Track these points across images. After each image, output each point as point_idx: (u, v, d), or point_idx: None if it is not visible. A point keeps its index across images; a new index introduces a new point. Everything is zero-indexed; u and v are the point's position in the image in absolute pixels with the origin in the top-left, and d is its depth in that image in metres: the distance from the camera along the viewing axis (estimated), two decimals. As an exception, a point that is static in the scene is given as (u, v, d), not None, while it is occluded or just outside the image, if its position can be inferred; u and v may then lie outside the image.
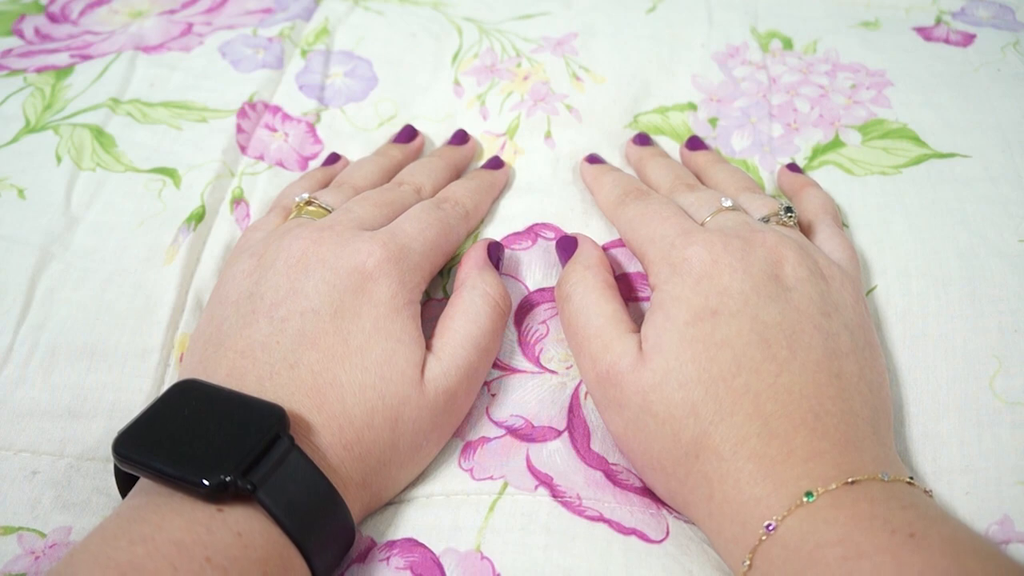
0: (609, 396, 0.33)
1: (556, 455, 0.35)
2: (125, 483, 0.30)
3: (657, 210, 0.38)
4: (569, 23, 0.53)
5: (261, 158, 0.46)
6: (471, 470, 0.34)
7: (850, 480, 0.28)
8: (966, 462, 0.34)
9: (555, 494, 0.33)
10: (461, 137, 0.47)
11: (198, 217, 0.42)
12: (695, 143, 0.46)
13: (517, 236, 0.42)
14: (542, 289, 0.40)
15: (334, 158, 0.46)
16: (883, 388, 0.33)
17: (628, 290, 0.39)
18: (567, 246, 0.39)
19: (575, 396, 0.36)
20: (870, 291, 0.39)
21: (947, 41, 0.51)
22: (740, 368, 0.31)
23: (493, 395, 0.36)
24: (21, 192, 0.42)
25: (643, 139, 0.46)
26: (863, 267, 0.40)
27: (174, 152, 0.45)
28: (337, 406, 0.31)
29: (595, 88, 0.49)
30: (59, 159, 0.44)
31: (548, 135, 0.47)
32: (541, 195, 0.44)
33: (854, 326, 0.33)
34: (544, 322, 0.39)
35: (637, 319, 0.35)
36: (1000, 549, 0.29)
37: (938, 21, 0.53)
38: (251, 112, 0.48)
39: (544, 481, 0.34)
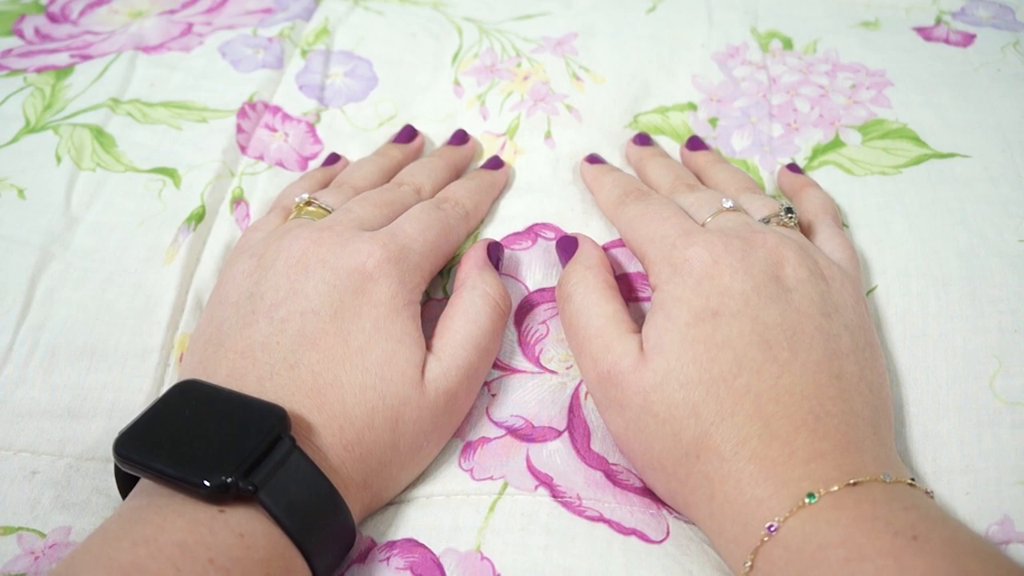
0: (610, 396, 0.33)
1: (556, 455, 0.35)
2: (125, 483, 0.30)
3: (657, 210, 0.38)
4: (569, 23, 0.53)
5: (261, 158, 0.46)
6: (471, 470, 0.34)
7: (852, 481, 0.28)
8: (966, 462, 0.34)
9: (555, 494, 0.33)
10: (461, 137, 0.47)
11: (198, 217, 0.42)
12: (695, 143, 0.46)
13: (517, 236, 0.42)
14: (542, 289, 0.40)
15: (334, 158, 0.46)
16: (883, 388, 0.33)
17: (628, 290, 0.39)
18: (567, 246, 0.39)
19: (575, 396, 0.36)
20: (870, 291, 0.39)
21: (947, 41, 0.51)
22: (741, 369, 0.31)
23: (493, 395, 0.36)
24: (21, 192, 0.42)
25: (643, 139, 0.46)
26: (863, 267, 0.40)
27: (174, 152, 0.45)
28: (338, 407, 0.31)
29: (595, 88, 0.49)
30: (59, 159, 0.44)
31: (548, 135, 0.47)
32: (541, 195, 0.44)
33: (854, 327, 0.33)
34: (544, 322, 0.39)
35: (638, 319, 0.35)
36: (1001, 551, 0.29)
37: (938, 21, 0.53)
38: (251, 112, 0.48)
39: (544, 481, 0.34)
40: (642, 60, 0.51)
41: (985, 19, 0.53)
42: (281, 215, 0.41)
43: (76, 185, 0.43)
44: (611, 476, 0.34)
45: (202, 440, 0.28)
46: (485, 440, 0.35)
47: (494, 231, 0.42)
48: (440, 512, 0.33)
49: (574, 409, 0.36)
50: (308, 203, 0.40)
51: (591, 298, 0.35)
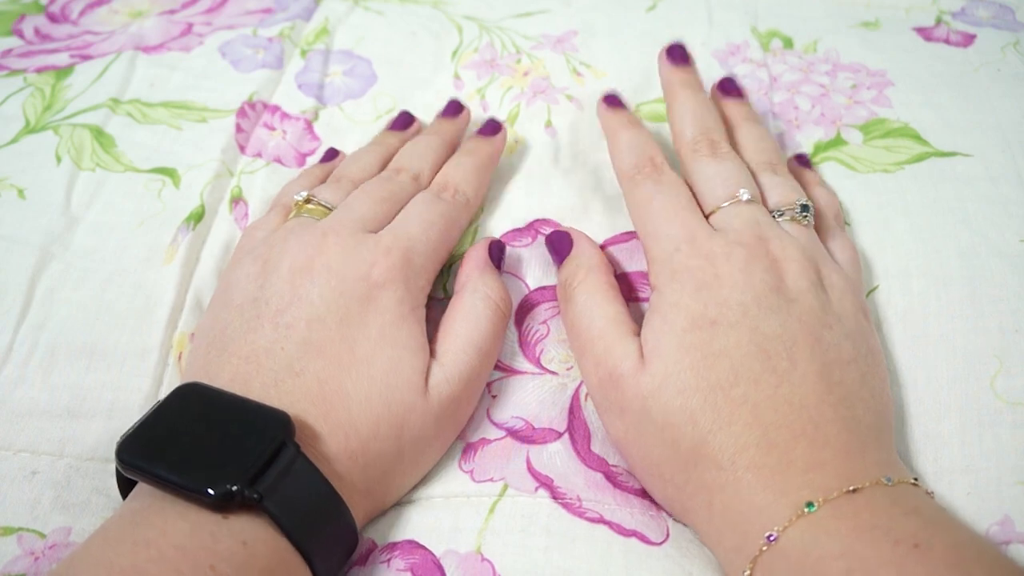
0: (610, 399, 0.33)
1: (556, 457, 0.34)
2: (126, 484, 0.30)
3: (666, 202, 0.37)
4: (569, 21, 0.53)
5: (259, 155, 0.46)
6: (471, 472, 0.34)
7: (852, 488, 0.27)
8: (967, 462, 0.34)
9: (555, 496, 0.33)
10: (455, 108, 0.46)
11: (197, 217, 0.42)
12: (727, 86, 0.43)
13: (517, 232, 0.42)
14: (542, 288, 0.40)
15: (332, 154, 0.45)
16: (885, 392, 0.33)
17: (628, 290, 0.39)
18: (560, 244, 0.39)
19: (575, 398, 0.36)
20: (871, 291, 0.39)
21: (947, 41, 0.51)
22: (738, 378, 0.31)
23: (494, 396, 0.36)
24: (21, 192, 0.42)
25: (679, 55, 0.42)
26: (864, 267, 0.39)
27: (174, 152, 0.45)
28: (343, 415, 0.31)
29: (596, 81, 0.50)
30: (59, 159, 0.44)
31: (548, 124, 0.47)
32: (541, 186, 0.44)
33: (855, 333, 0.33)
34: (545, 322, 0.39)
35: (638, 320, 0.35)
36: (1004, 554, 0.29)
37: (938, 21, 0.53)
38: (250, 112, 0.48)
39: (544, 483, 0.34)
40: (643, 56, 0.51)
41: (985, 19, 0.53)
42: (281, 214, 0.40)
43: (76, 185, 0.43)
44: (611, 478, 0.34)
45: (206, 446, 0.28)
46: (485, 442, 0.35)
47: (495, 224, 0.42)
48: (440, 514, 0.33)
49: (574, 411, 0.36)
50: (307, 200, 0.39)
51: (593, 300, 0.35)
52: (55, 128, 0.45)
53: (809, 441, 0.29)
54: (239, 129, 0.46)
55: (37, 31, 0.53)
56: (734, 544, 0.29)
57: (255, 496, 0.27)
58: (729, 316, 0.32)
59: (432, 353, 0.34)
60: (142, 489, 0.29)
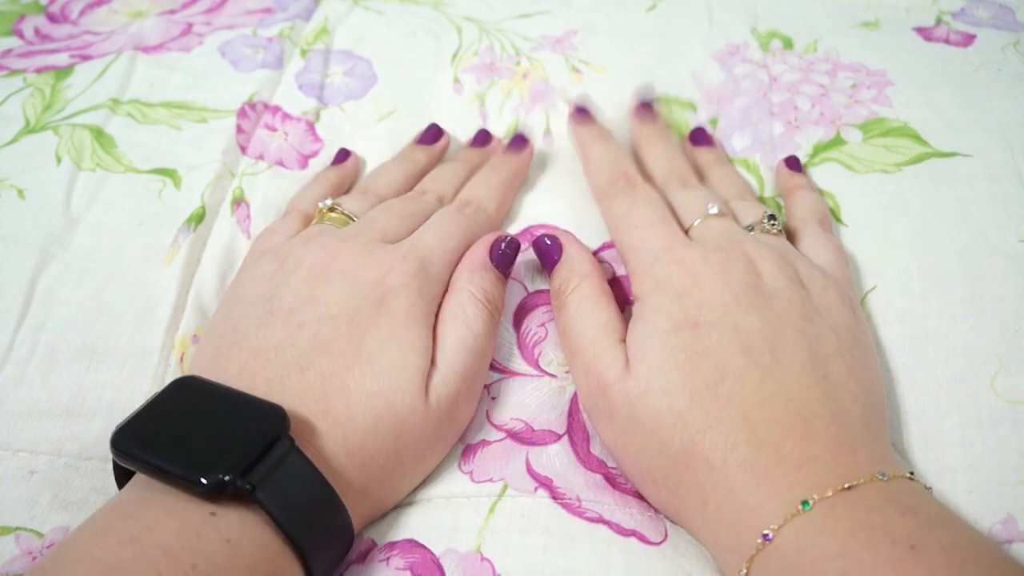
0: (600, 406, 0.33)
1: (556, 459, 0.34)
2: (124, 479, 0.30)
3: (643, 213, 0.38)
4: (569, 21, 0.53)
5: (261, 158, 0.46)
6: (471, 473, 0.34)
7: (846, 486, 0.27)
8: (968, 461, 0.34)
9: (555, 496, 0.33)
10: (484, 138, 0.46)
11: (198, 218, 0.42)
12: (698, 137, 0.46)
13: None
14: (540, 291, 0.40)
15: (343, 155, 0.45)
16: (875, 385, 0.33)
17: (622, 294, 0.39)
18: (547, 250, 0.39)
19: (574, 400, 0.36)
20: (870, 291, 0.39)
21: (947, 41, 0.51)
22: (724, 376, 0.31)
23: (493, 398, 0.36)
24: (21, 192, 0.42)
25: (646, 111, 0.46)
26: (864, 267, 0.40)
27: (174, 152, 0.45)
28: (343, 412, 0.31)
29: (595, 77, 0.50)
30: (59, 159, 0.44)
31: (547, 131, 0.47)
32: (539, 193, 0.44)
33: (840, 326, 0.33)
34: (543, 324, 0.39)
35: (633, 324, 0.35)
36: (1004, 552, 0.28)
37: (938, 21, 0.53)
38: (251, 112, 0.48)
39: (544, 483, 0.34)
40: (643, 55, 0.51)
41: (985, 19, 0.53)
42: (299, 219, 0.41)
43: (76, 185, 0.43)
44: (610, 479, 0.34)
45: (200, 437, 0.28)
46: (485, 443, 0.35)
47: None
48: (440, 514, 0.33)
49: (573, 413, 0.36)
50: (331, 209, 0.40)
51: (585, 307, 0.35)
52: (55, 128, 0.45)
53: (799, 436, 0.29)
54: (240, 130, 0.46)
55: (37, 31, 0.53)
56: (729, 544, 0.29)
57: (247, 486, 0.27)
58: (710, 316, 0.32)
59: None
60: (137, 480, 0.29)
